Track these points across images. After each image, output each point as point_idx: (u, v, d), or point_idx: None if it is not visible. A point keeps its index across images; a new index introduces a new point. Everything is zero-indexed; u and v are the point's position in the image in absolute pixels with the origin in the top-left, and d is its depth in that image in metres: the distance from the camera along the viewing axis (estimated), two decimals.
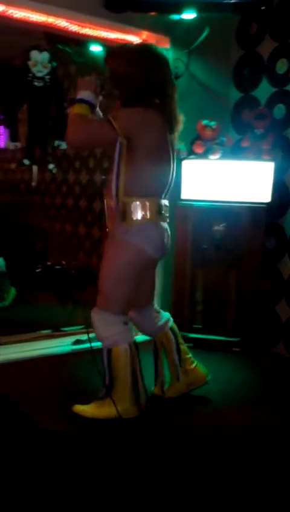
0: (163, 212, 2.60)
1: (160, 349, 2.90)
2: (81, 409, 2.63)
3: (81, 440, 2.42)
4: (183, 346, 2.93)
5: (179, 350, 2.88)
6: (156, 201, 2.54)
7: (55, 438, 2.41)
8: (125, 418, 2.57)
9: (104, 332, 2.59)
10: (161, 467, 2.25)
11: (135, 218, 2.50)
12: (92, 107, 2.52)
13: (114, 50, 2.66)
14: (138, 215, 2.50)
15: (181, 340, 2.92)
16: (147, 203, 2.50)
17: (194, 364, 2.95)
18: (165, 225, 2.64)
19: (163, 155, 2.57)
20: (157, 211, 2.55)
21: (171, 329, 2.90)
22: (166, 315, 2.92)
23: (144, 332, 2.97)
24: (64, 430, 2.49)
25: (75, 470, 2.17)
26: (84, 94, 2.52)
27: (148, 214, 2.51)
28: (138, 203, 2.49)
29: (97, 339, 2.66)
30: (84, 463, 2.23)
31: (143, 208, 2.50)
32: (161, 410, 2.79)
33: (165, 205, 2.63)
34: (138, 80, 2.49)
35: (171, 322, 2.92)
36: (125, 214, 2.50)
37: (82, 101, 2.50)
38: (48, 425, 2.46)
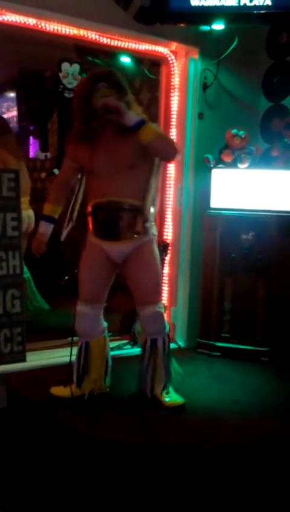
0: None
1: (93, 353, 2.96)
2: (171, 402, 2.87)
3: (115, 447, 2.43)
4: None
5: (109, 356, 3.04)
6: None
7: (91, 444, 2.43)
8: None
9: (165, 320, 2.92)
10: (189, 476, 2.25)
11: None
12: None
13: (117, 73, 2.81)
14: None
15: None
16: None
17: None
18: None
19: None
20: None
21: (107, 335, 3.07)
22: (105, 322, 3.06)
23: (84, 331, 2.98)
24: (97, 436, 2.50)
25: (111, 479, 2.18)
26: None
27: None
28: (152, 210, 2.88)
29: (160, 329, 2.88)
30: (116, 471, 2.24)
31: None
32: (190, 419, 2.79)
33: None
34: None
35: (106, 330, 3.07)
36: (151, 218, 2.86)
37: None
38: (75, 430, 2.49)
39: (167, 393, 2.89)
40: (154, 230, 2.90)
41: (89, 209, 2.86)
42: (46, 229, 3.01)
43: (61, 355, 3.63)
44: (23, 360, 3.38)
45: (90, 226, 2.89)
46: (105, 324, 3.05)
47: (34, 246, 3.00)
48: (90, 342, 2.96)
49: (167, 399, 2.88)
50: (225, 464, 2.38)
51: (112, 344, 3.81)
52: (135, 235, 2.79)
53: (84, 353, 2.95)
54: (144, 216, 2.80)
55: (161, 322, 2.88)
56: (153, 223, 2.88)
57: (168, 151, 2.73)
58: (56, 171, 4.54)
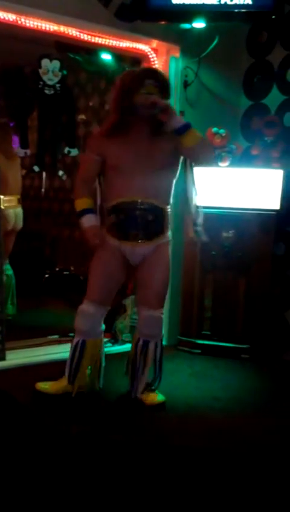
0: None
1: (88, 352, 2.93)
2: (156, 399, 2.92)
3: (100, 445, 2.42)
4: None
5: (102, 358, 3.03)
6: None
7: (64, 441, 2.42)
8: None
9: (162, 325, 2.94)
10: (169, 472, 2.25)
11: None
12: None
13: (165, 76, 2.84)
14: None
15: None
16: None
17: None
18: None
19: None
20: None
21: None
22: (103, 324, 3.04)
23: (85, 329, 2.92)
24: (81, 435, 2.49)
25: (100, 476, 2.18)
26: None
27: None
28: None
29: (156, 333, 2.89)
30: (91, 467, 2.24)
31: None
32: (169, 416, 2.80)
33: None
34: None
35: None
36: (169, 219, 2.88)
37: None
38: (56, 429, 2.47)
39: (151, 392, 2.91)
40: (170, 233, 2.90)
41: (109, 207, 2.81)
42: (95, 219, 2.85)
43: (42, 353, 3.62)
44: (3, 358, 3.35)
45: (109, 225, 2.83)
46: (103, 326, 3.03)
47: (92, 238, 2.81)
48: (86, 340, 2.91)
49: (147, 397, 2.88)
50: (206, 460, 2.39)
51: None
52: (156, 237, 2.80)
53: (79, 351, 2.91)
54: (166, 218, 2.82)
55: (158, 326, 2.89)
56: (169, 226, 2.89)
57: (208, 157, 2.77)
58: (36, 168, 4.50)
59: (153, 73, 2.73)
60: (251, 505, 2.07)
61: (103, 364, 3.02)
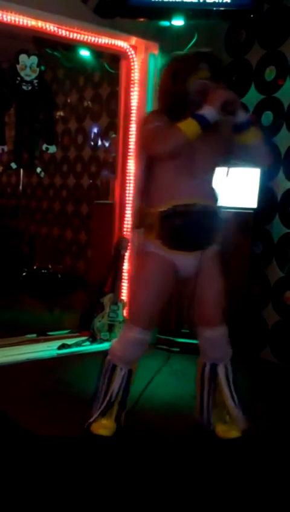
0: None
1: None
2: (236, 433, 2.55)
3: (69, 445, 2.41)
4: None
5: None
6: None
7: (42, 443, 2.39)
8: None
9: (229, 346, 2.59)
10: (148, 471, 2.25)
11: None
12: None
13: (219, 58, 2.47)
14: None
15: None
16: None
17: None
18: None
19: None
20: None
21: None
22: None
23: (136, 358, 2.55)
24: (51, 435, 2.47)
25: (62, 476, 2.16)
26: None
27: None
28: None
29: (223, 355, 2.57)
30: (72, 468, 2.22)
31: None
32: (149, 416, 2.80)
33: None
34: None
35: None
36: None
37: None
38: (34, 431, 2.45)
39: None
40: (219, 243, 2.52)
41: (160, 212, 2.35)
42: None
43: (19, 352, 3.59)
44: None
45: (158, 233, 2.37)
46: None
47: None
48: (132, 369, 2.52)
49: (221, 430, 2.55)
50: (186, 459, 2.39)
51: (71, 341, 3.80)
52: (212, 244, 2.45)
53: (126, 382, 2.49)
54: (220, 223, 2.46)
55: (225, 345, 2.56)
56: None
57: (267, 157, 2.46)
58: (14, 165, 4.46)
59: (208, 56, 2.36)
60: (227, 505, 2.08)
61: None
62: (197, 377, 2.60)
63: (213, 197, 2.46)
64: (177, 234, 2.36)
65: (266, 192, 3.88)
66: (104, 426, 2.48)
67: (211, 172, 2.48)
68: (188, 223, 2.34)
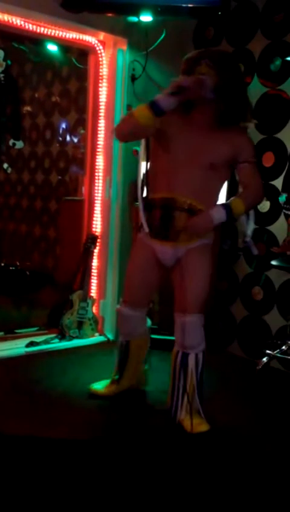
0: None
1: (132, 353, 2.89)
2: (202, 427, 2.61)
3: (42, 444, 2.39)
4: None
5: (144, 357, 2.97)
6: None
7: (14, 442, 2.37)
8: None
9: (202, 336, 2.65)
10: (126, 464, 2.25)
11: None
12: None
13: (228, 56, 2.54)
14: None
15: None
16: None
17: (146, 367, 3.02)
18: None
19: None
20: None
21: (149, 337, 2.98)
22: (149, 322, 2.97)
23: (125, 331, 2.87)
24: (20, 434, 2.44)
25: (38, 475, 2.14)
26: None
27: None
28: None
29: (193, 343, 2.61)
30: (49, 467, 2.20)
31: None
32: (120, 408, 2.80)
33: None
34: (246, 97, 2.53)
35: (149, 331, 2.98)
36: None
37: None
38: (2, 429, 2.42)
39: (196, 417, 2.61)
40: (208, 236, 2.61)
41: (148, 201, 2.60)
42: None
43: None
44: None
45: (144, 222, 2.60)
46: (149, 323, 2.94)
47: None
48: (130, 341, 2.86)
49: (189, 422, 2.59)
50: (157, 454, 2.39)
51: (39, 338, 3.76)
52: (187, 239, 2.54)
53: (124, 351, 2.87)
54: (201, 220, 2.51)
55: (195, 334, 2.61)
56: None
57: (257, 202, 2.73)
58: None
59: (208, 53, 2.46)
60: (207, 502, 2.09)
61: (146, 365, 2.98)
62: (171, 365, 2.70)
63: (199, 194, 2.49)
64: (151, 224, 2.57)
65: (234, 189, 3.91)
66: (103, 385, 2.94)
67: (209, 171, 2.49)
68: (159, 216, 2.52)
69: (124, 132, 2.50)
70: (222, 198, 2.75)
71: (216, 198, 2.65)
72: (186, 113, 2.48)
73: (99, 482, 2.13)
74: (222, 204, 2.54)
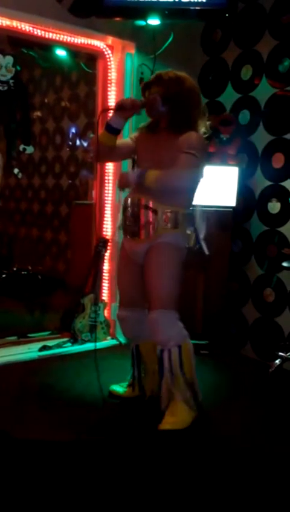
0: None
1: (144, 356, 2.92)
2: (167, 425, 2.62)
3: (53, 448, 2.39)
4: None
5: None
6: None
7: (23, 446, 2.37)
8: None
9: (172, 331, 2.66)
10: (136, 469, 2.25)
11: (184, 226, 2.72)
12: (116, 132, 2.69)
13: (162, 74, 2.75)
14: (185, 223, 2.73)
15: None
16: (189, 214, 2.77)
17: None
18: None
19: None
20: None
21: None
22: None
23: (131, 335, 2.95)
24: (33, 438, 2.45)
25: (48, 479, 2.15)
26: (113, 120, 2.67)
27: (189, 223, 2.77)
28: (185, 213, 2.72)
29: (162, 339, 2.66)
30: (59, 472, 2.21)
31: (188, 218, 2.75)
32: (135, 412, 2.79)
33: None
34: (197, 104, 2.73)
35: None
36: (177, 221, 2.68)
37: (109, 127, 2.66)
38: (14, 433, 2.43)
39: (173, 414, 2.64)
40: (174, 234, 2.68)
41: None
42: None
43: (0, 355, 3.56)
44: None
45: (121, 222, 2.84)
46: None
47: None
48: (139, 345, 2.91)
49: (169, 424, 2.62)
50: (166, 457, 2.39)
51: (52, 342, 3.78)
52: (147, 237, 2.68)
53: (136, 356, 2.94)
54: (157, 218, 2.65)
55: (162, 331, 2.65)
56: (172, 227, 2.67)
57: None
58: None
59: (157, 76, 2.74)
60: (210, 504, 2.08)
61: None
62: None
63: (160, 194, 2.61)
64: (124, 223, 2.79)
65: (244, 191, 3.90)
66: (123, 387, 3.01)
67: (164, 169, 2.63)
68: (126, 215, 2.75)
69: (93, 149, 2.83)
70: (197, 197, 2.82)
71: (181, 197, 2.68)
72: (154, 131, 2.74)
73: (111, 483, 2.13)
74: (142, 170, 2.65)
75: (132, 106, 2.62)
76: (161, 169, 2.59)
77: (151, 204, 2.65)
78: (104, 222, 4.06)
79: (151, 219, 2.66)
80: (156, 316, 2.65)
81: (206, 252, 2.85)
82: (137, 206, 2.69)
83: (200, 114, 2.72)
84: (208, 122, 2.77)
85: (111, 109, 2.66)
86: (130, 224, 2.73)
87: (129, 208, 2.72)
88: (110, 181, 4.01)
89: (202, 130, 2.72)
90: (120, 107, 2.62)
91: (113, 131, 2.66)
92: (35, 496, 2.03)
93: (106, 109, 2.85)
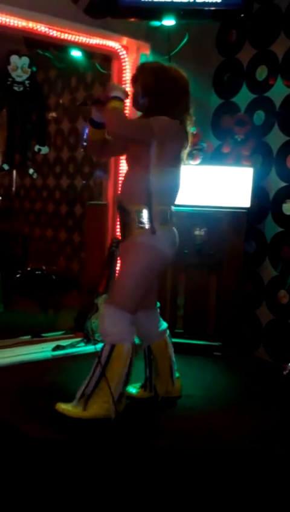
0: (173, 218, 2.77)
1: (156, 355, 2.93)
2: (64, 408, 2.65)
3: (66, 446, 2.40)
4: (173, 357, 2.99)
5: (172, 359, 2.97)
6: (171, 209, 2.75)
7: (38, 445, 2.39)
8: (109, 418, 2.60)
9: (113, 327, 2.63)
10: (148, 471, 2.25)
11: (158, 224, 2.63)
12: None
13: (144, 65, 2.81)
14: (159, 221, 2.64)
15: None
16: (167, 211, 2.70)
17: (177, 375, 3.01)
18: (175, 230, 2.79)
19: (179, 166, 2.73)
20: (171, 217, 2.74)
21: (169, 337, 2.99)
22: (165, 323, 2.98)
23: (142, 335, 2.95)
24: (47, 436, 2.46)
25: (60, 477, 2.15)
26: (118, 93, 2.64)
27: (166, 220, 2.69)
28: (160, 210, 2.64)
29: (102, 332, 2.71)
30: (70, 470, 2.22)
31: (164, 215, 2.67)
32: (146, 413, 2.79)
33: (174, 212, 2.80)
34: (167, 92, 2.65)
35: (168, 332, 2.99)
36: (150, 220, 2.62)
37: (117, 98, 2.62)
38: (29, 432, 2.44)
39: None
40: (147, 234, 2.63)
41: None
42: None
43: (14, 354, 3.57)
44: None
45: None
46: (165, 326, 2.96)
47: None
48: (151, 345, 2.92)
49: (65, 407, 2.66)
50: (179, 459, 2.39)
51: (65, 342, 3.79)
52: (124, 238, 2.73)
53: (148, 356, 2.94)
54: (132, 219, 2.64)
55: (101, 321, 2.75)
56: (142, 226, 2.63)
57: (108, 127, 2.70)
58: (6, 166, 4.45)
59: (140, 66, 2.81)
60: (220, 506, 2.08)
61: (174, 367, 2.98)
62: None
63: (127, 193, 2.69)
64: None
65: (258, 192, 3.89)
66: (136, 388, 3.00)
67: (129, 167, 2.77)
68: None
69: (87, 148, 2.97)
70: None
71: (142, 192, 2.62)
72: None
73: (113, 483, 2.13)
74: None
75: (107, 99, 2.62)
76: (127, 155, 2.74)
77: (124, 204, 2.69)
78: (117, 223, 4.06)
79: (126, 220, 2.68)
80: (104, 308, 2.72)
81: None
82: (118, 208, 2.75)
83: (178, 104, 2.64)
84: (193, 118, 2.74)
85: (88, 103, 2.69)
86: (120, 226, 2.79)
87: (117, 210, 2.79)
88: None
89: (189, 124, 2.68)
90: (96, 101, 2.66)
91: (97, 125, 2.69)
92: (51, 493, 2.04)
93: (83, 103, 2.97)
